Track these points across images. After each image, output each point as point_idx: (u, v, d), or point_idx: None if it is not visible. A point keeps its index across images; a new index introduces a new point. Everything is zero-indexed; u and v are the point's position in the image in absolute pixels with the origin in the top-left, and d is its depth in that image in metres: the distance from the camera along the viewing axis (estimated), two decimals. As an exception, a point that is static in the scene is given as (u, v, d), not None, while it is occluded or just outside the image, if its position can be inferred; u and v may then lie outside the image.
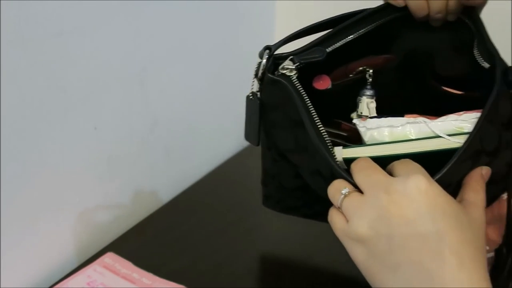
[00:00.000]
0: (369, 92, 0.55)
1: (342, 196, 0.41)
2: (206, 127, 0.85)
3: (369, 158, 0.43)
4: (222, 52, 0.87)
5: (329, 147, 0.44)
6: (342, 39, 0.51)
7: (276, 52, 0.50)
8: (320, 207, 0.58)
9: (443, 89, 0.55)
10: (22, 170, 0.58)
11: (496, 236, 0.51)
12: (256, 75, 0.50)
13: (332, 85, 0.54)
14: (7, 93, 0.54)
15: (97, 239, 0.69)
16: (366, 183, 0.40)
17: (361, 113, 0.55)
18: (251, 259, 0.66)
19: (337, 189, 0.42)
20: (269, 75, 0.49)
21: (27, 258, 0.61)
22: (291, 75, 0.48)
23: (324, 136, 0.45)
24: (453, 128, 0.45)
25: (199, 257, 0.66)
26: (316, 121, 0.46)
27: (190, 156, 0.85)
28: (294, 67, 0.48)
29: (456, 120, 0.46)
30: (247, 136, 0.55)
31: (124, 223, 0.73)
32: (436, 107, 0.50)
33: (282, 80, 0.47)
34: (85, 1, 0.60)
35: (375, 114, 0.54)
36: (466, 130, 0.45)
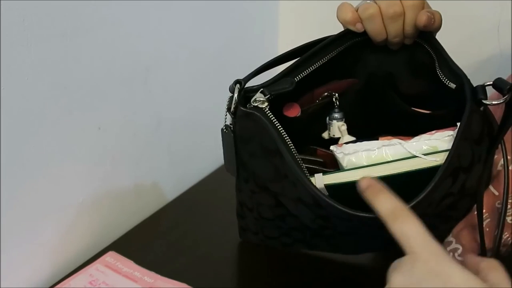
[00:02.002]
0: (338, 115, 0.57)
1: None
2: (209, 127, 0.85)
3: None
4: (225, 52, 0.86)
5: (307, 176, 0.45)
6: (308, 68, 0.51)
7: (246, 85, 0.50)
8: (299, 234, 0.58)
9: (410, 108, 0.56)
10: (25, 169, 0.58)
11: (469, 241, 0.53)
12: (228, 109, 0.51)
13: (301, 111, 0.55)
14: (11, 93, 0.53)
15: (100, 238, 0.69)
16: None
17: (334, 135, 0.57)
18: (253, 258, 0.65)
19: None
20: (242, 108, 0.49)
21: (28, 258, 0.61)
22: (263, 107, 0.48)
23: (303, 166, 0.46)
24: (427, 147, 0.46)
25: (201, 256, 0.65)
26: (294, 152, 0.46)
27: (193, 156, 0.84)
28: (265, 99, 0.48)
29: (430, 139, 0.47)
30: (227, 167, 0.57)
31: (127, 222, 0.72)
32: (402, 126, 0.51)
33: (256, 112, 0.48)
34: (89, 1, 0.59)
35: (347, 135, 0.57)
36: (440, 149, 0.46)
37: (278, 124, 0.47)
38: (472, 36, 0.79)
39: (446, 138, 0.46)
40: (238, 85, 0.50)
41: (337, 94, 0.57)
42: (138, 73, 0.70)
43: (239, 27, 0.88)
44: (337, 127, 0.57)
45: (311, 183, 0.45)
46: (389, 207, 0.39)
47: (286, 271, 0.62)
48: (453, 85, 0.48)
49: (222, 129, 0.53)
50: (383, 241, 0.40)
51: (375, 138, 0.49)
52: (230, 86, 0.51)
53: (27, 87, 0.55)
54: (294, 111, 0.55)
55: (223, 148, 0.55)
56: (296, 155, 0.46)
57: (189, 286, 0.59)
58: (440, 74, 0.50)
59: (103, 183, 0.69)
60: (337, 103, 0.57)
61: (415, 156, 0.46)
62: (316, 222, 0.49)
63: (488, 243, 0.52)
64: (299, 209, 0.49)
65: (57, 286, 0.59)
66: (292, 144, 0.47)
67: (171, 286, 0.59)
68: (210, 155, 0.85)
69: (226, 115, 0.51)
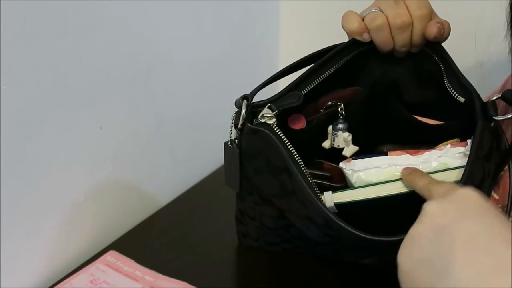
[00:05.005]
0: (343, 126, 0.55)
1: None
2: (210, 128, 0.84)
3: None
4: (227, 53, 0.85)
5: (320, 197, 0.44)
6: (315, 80, 0.50)
7: (252, 101, 0.48)
8: (302, 242, 0.57)
9: (414, 118, 0.55)
10: (26, 169, 0.56)
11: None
12: (235, 125, 0.48)
13: (306, 122, 0.54)
14: (13, 93, 0.52)
15: (101, 237, 0.68)
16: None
17: (338, 145, 0.55)
18: (253, 257, 0.64)
19: None
20: (249, 125, 0.47)
21: (29, 257, 0.60)
22: (271, 123, 0.46)
23: (314, 186, 0.44)
24: (438, 164, 0.45)
25: (202, 255, 0.65)
26: (305, 171, 0.44)
27: (194, 156, 0.83)
28: (273, 114, 0.46)
29: (440, 156, 0.45)
30: (228, 182, 0.54)
31: (128, 222, 0.71)
32: (406, 135, 0.50)
33: (264, 130, 0.46)
34: (91, 1, 0.58)
35: (351, 145, 0.54)
36: (450, 165, 0.45)
37: (287, 141, 0.45)
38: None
39: (457, 155, 0.45)
40: (245, 101, 0.47)
41: (342, 104, 0.55)
42: (140, 74, 0.69)
43: (240, 28, 0.87)
44: (343, 138, 0.54)
45: (324, 205, 0.43)
46: (426, 181, 0.41)
47: (286, 271, 0.62)
48: (462, 99, 0.47)
49: (226, 143, 0.51)
50: (386, 250, 0.39)
51: (384, 153, 0.47)
52: (236, 101, 0.49)
53: (28, 86, 0.54)
54: (300, 124, 0.53)
55: (225, 162, 0.53)
56: (307, 173, 0.44)
57: (190, 285, 0.58)
58: (448, 86, 0.48)
59: (104, 182, 0.67)
60: (343, 113, 0.55)
61: None
62: (324, 239, 0.48)
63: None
64: (307, 226, 0.47)
65: (58, 286, 0.58)
66: (301, 162, 0.45)
67: (172, 284, 0.58)
68: (211, 155, 0.85)
69: (231, 130, 0.49)
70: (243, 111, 0.47)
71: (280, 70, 0.52)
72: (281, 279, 0.61)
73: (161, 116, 0.74)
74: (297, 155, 0.45)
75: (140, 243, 0.67)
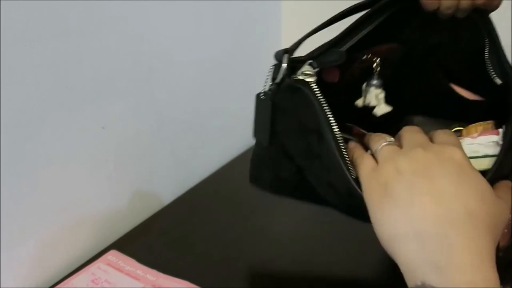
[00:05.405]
0: (376, 82, 0.51)
1: (386, 143, 0.42)
2: (212, 128, 0.84)
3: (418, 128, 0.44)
4: (228, 52, 0.85)
5: (349, 166, 0.43)
6: (356, 36, 0.46)
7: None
8: (312, 195, 0.55)
9: (453, 89, 0.52)
10: (26, 169, 0.56)
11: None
12: (273, 79, 0.46)
13: (339, 75, 0.51)
14: (14, 93, 0.52)
15: (103, 238, 0.68)
16: (408, 139, 0.42)
17: (369, 103, 0.52)
18: (253, 257, 0.64)
19: (382, 137, 0.43)
20: (289, 81, 0.45)
21: (30, 257, 0.60)
22: (311, 82, 0.44)
23: (345, 155, 0.43)
24: (469, 152, 0.44)
25: (202, 255, 0.64)
26: (338, 138, 0.43)
27: (195, 156, 0.83)
28: (313, 72, 0.44)
29: (472, 143, 0.45)
30: (256, 134, 0.52)
31: (130, 222, 0.71)
32: (439, 107, 0.48)
33: (304, 88, 0.44)
34: (91, 1, 0.58)
35: (383, 104, 0.52)
36: (481, 154, 0.44)
37: (325, 103, 0.43)
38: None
39: (490, 143, 0.44)
40: (287, 55, 0.45)
41: (378, 59, 0.51)
42: (140, 74, 0.68)
43: (241, 28, 0.87)
44: (374, 95, 0.51)
45: (352, 177, 0.42)
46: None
47: (288, 271, 0.62)
48: (498, 81, 0.45)
49: (258, 95, 0.49)
50: None
51: (406, 109, 0.46)
52: (277, 54, 0.46)
53: (28, 86, 0.54)
54: (334, 76, 0.50)
55: (255, 115, 0.51)
56: (340, 140, 0.43)
57: (191, 284, 0.58)
58: (487, 62, 0.46)
59: (106, 182, 0.67)
60: (378, 68, 0.51)
61: None
62: (342, 206, 0.47)
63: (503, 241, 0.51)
64: (326, 191, 0.46)
65: (59, 285, 0.58)
66: (336, 127, 0.43)
67: (173, 283, 0.58)
68: (212, 156, 0.84)
69: (266, 82, 0.47)
70: (284, 65, 0.45)
71: (320, 24, 0.49)
72: (281, 279, 0.61)
73: (162, 116, 0.74)
74: (333, 120, 0.43)
75: (141, 243, 0.67)
